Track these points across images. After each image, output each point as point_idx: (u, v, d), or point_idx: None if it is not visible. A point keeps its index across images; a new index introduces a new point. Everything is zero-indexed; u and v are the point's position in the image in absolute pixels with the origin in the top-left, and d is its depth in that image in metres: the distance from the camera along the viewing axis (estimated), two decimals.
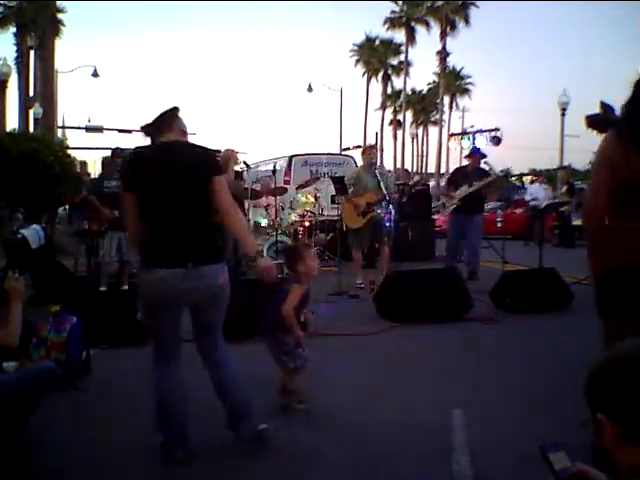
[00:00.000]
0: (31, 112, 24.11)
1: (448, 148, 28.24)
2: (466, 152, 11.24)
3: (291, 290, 3.44)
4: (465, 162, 9.04)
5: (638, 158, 2.48)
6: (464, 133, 18.39)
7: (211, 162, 2.85)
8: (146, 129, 2.92)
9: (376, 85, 47.67)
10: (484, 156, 9.23)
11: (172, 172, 2.71)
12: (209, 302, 2.80)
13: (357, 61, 46.91)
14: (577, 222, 14.23)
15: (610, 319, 2.58)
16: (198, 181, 2.73)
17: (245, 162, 8.33)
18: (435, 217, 12.19)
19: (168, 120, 2.88)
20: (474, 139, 15.66)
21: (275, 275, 2.89)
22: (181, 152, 2.79)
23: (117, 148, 7.94)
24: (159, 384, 2.87)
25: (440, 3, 39.48)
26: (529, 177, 23.91)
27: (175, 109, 2.94)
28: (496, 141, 15.53)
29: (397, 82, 47.01)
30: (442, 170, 38.65)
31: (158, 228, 2.73)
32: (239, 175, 8.21)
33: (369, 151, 8.09)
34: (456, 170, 9.37)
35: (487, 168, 8.91)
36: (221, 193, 2.75)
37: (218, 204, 2.74)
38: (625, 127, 2.55)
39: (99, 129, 24.57)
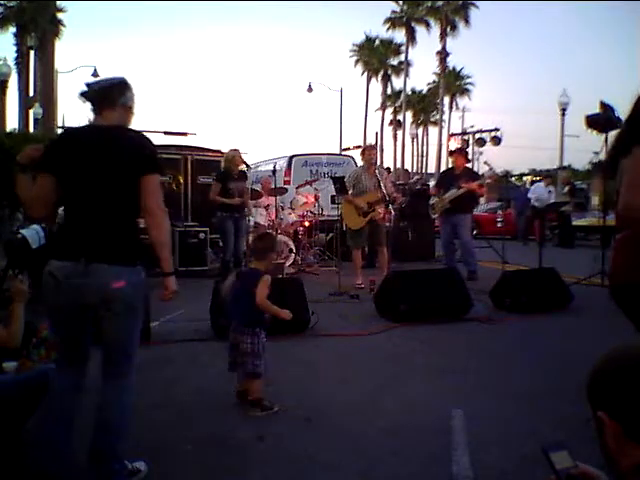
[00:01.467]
0: (31, 112, 24.14)
1: (448, 148, 28.25)
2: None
3: (261, 280, 3.38)
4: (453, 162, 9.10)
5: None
6: (464, 133, 18.37)
7: (146, 158, 2.46)
8: (86, 98, 2.56)
9: (376, 85, 47.78)
10: (468, 159, 9.41)
11: (97, 161, 2.40)
12: (102, 307, 2.39)
13: (357, 61, 46.98)
14: (577, 222, 14.27)
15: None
16: (125, 175, 2.41)
17: (245, 162, 8.34)
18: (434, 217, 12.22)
19: (111, 97, 2.52)
20: (468, 139, 15.73)
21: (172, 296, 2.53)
22: (114, 141, 2.45)
23: None
24: (52, 386, 2.58)
25: (440, 3, 39.53)
26: (529, 177, 23.90)
27: (122, 83, 2.59)
28: (496, 141, 15.52)
29: (397, 82, 47.13)
30: (442, 170, 38.64)
31: (68, 218, 2.49)
32: (244, 175, 8.21)
33: (369, 151, 8.10)
34: (444, 172, 9.48)
35: (487, 168, 8.98)
36: (148, 192, 2.43)
37: (144, 203, 2.44)
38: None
39: None
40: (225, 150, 8.73)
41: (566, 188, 15.03)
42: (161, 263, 2.49)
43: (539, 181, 16.21)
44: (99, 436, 2.49)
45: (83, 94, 2.55)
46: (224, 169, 8.31)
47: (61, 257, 2.39)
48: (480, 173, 9.20)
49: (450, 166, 9.03)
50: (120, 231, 2.44)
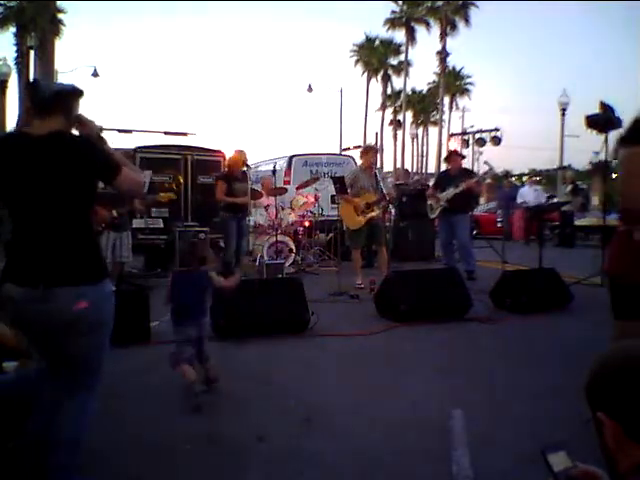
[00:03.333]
0: None
1: (448, 148, 28.28)
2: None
3: (211, 275, 3.83)
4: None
5: None
6: (464, 133, 18.39)
7: (100, 166, 2.33)
8: (40, 97, 2.35)
9: (376, 85, 47.75)
10: (463, 157, 9.43)
11: (44, 173, 2.22)
12: (64, 331, 2.27)
13: (357, 61, 46.94)
14: (578, 222, 14.27)
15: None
16: (76, 189, 2.27)
17: (246, 162, 8.34)
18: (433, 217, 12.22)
19: (59, 104, 2.35)
20: (468, 139, 15.79)
21: None
22: (62, 151, 2.26)
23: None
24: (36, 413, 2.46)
25: (440, 3, 39.50)
26: (528, 177, 23.92)
27: (78, 93, 2.43)
28: (496, 141, 15.53)
29: (397, 82, 47.09)
30: (440, 171, 38.64)
31: (17, 238, 2.31)
32: (246, 176, 8.20)
33: (368, 152, 8.12)
34: (440, 173, 9.51)
35: (487, 168, 9.01)
36: (126, 185, 2.40)
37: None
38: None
39: (99, 129, 24.50)
40: (225, 150, 8.72)
41: (569, 187, 15.00)
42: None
43: (529, 182, 16.22)
44: (57, 453, 2.38)
45: (37, 97, 2.35)
46: (228, 169, 8.32)
47: (18, 282, 2.25)
48: (480, 173, 9.22)
49: (447, 167, 9.03)
50: (77, 248, 2.29)
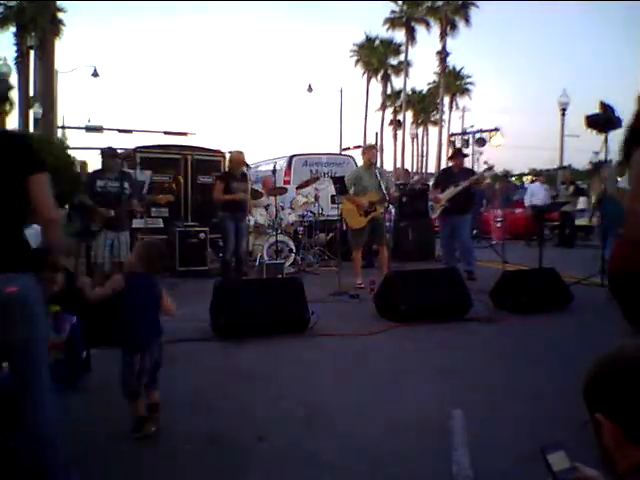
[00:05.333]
0: (31, 112, 24.13)
1: (448, 148, 28.27)
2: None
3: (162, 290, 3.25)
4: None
5: None
6: (464, 133, 18.40)
7: (24, 158, 2.36)
8: None
9: (376, 85, 47.82)
10: (465, 155, 9.46)
11: None
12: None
13: (357, 61, 47.01)
14: (578, 222, 14.26)
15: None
16: (9, 179, 2.32)
17: (246, 162, 8.35)
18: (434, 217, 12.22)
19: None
20: (469, 139, 15.78)
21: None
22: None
23: (108, 148, 7.10)
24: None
25: (440, 3, 39.57)
26: (529, 177, 23.89)
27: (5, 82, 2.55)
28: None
29: (397, 82, 47.16)
30: (441, 169, 38.65)
31: None
32: (245, 177, 8.20)
33: (370, 151, 8.11)
34: (442, 171, 9.49)
35: (486, 167, 9.00)
36: (38, 194, 2.37)
37: (34, 205, 2.35)
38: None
39: (99, 129, 24.51)
40: (225, 150, 8.72)
41: (571, 188, 15.00)
42: (52, 260, 2.42)
43: (533, 181, 16.14)
44: (34, 451, 2.38)
45: None
46: (228, 169, 8.33)
47: None
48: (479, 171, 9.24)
49: (448, 165, 9.03)
50: (8, 237, 2.34)
